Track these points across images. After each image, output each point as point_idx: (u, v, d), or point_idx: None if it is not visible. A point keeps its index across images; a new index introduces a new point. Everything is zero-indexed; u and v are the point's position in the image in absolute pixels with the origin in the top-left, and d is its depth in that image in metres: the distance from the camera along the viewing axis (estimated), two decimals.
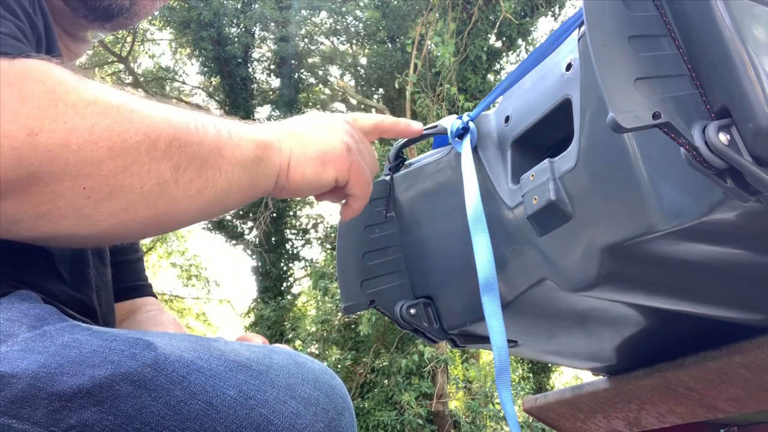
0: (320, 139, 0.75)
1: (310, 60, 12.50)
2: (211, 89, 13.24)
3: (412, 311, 1.03)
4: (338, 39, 12.61)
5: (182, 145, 0.61)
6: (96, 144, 0.56)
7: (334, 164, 0.74)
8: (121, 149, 0.57)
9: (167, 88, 13.46)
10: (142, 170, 0.58)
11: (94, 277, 0.79)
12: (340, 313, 9.09)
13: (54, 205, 0.56)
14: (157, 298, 1.09)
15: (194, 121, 0.64)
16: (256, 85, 12.65)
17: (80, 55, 0.95)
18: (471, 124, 0.95)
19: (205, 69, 12.05)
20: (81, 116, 0.55)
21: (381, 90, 12.13)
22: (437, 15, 9.59)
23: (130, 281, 1.04)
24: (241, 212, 12.38)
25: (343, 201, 0.83)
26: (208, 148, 0.64)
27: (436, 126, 1.00)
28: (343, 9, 11.75)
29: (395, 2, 11.16)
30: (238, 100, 11.83)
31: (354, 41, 12.57)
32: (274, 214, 11.35)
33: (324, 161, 0.74)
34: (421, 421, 8.59)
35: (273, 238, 11.73)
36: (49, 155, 0.54)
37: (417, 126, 0.90)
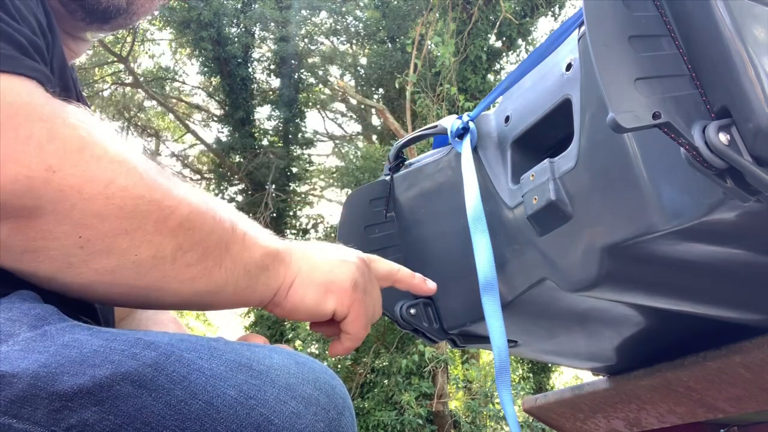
0: (330, 268, 0.74)
1: (310, 60, 12.50)
2: (211, 89, 13.24)
3: (412, 311, 1.03)
4: (338, 39, 12.61)
5: (192, 228, 0.61)
6: (108, 199, 0.56)
7: (336, 296, 0.73)
8: (130, 212, 0.57)
9: (167, 88, 13.46)
10: (143, 239, 0.58)
11: None
12: None
13: (45, 244, 0.56)
14: None
15: (212, 209, 0.64)
16: (256, 85, 12.65)
17: (80, 54, 0.95)
18: (471, 124, 0.95)
19: (205, 69, 12.05)
20: (102, 169, 0.56)
21: (381, 90, 12.13)
22: (437, 15, 9.59)
23: None
24: (241, 212, 12.36)
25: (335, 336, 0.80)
26: (217, 239, 0.63)
27: (436, 126, 1.00)
28: (343, 9, 11.75)
29: (395, 2, 11.16)
30: (238, 100, 11.83)
31: (354, 41, 12.58)
32: (274, 214, 11.35)
33: (327, 290, 0.73)
34: (421, 421, 8.59)
35: None
36: (59, 195, 0.54)
37: (432, 285, 0.85)
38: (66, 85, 0.72)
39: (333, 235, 11.42)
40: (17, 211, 0.54)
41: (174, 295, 0.63)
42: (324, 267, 0.73)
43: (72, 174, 0.55)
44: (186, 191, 0.62)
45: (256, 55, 12.66)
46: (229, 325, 15.73)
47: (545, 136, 0.88)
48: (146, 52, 13.47)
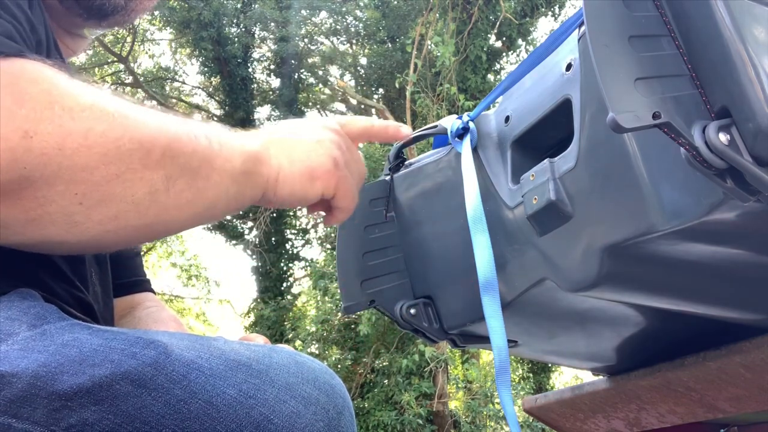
0: (309, 153, 0.75)
1: (310, 60, 12.50)
2: (211, 89, 13.24)
3: (412, 311, 1.03)
4: (338, 39, 12.61)
5: (175, 155, 0.61)
6: (90, 149, 0.55)
7: (321, 180, 0.75)
8: (115, 156, 0.56)
9: (167, 88, 13.46)
10: (134, 178, 0.58)
11: (92, 274, 0.79)
12: (340, 313, 9.09)
13: (45, 210, 0.55)
14: (155, 293, 1.09)
15: (187, 131, 0.63)
16: (256, 85, 12.64)
17: (79, 52, 0.95)
18: (471, 124, 0.95)
19: (205, 69, 12.04)
20: (76, 120, 0.55)
21: (381, 90, 12.13)
22: (437, 15, 9.59)
23: (129, 277, 1.04)
24: (241, 212, 12.37)
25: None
26: (200, 158, 0.64)
27: (436, 126, 1.00)
28: (343, 9, 11.75)
29: (395, 2, 11.16)
30: (238, 100, 11.83)
31: (354, 41, 12.57)
32: (274, 214, 11.34)
33: (312, 177, 0.74)
34: (421, 421, 8.58)
35: (273, 238, 11.73)
36: (43, 158, 0.53)
37: (406, 130, 0.89)
38: None
39: (333, 235, 11.41)
40: (7, 186, 0.53)
41: (176, 222, 0.64)
42: (302, 155, 0.74)
43: (49, 133, 0.53)
44: (158, 119, 0.62)
45: (256, 55, 12.65)
46: (229, 325, 15.74)
47: (545, 136, 0.88)
48: (146, 52, 13.46)
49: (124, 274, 1.02)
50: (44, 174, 0.54)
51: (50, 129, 0.53)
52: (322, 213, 0.82)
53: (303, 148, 0.75)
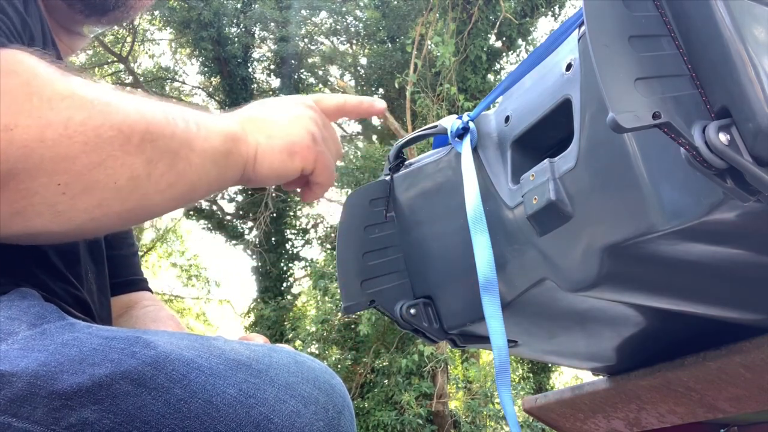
0: (286, 129, 0.75)
1: (310, 60, 12.50)
2: (211, 89, 13.24)
3: (412, 311, 1.03)
4: (338, 39, 12.61)
5: (154, 139, 0.61)
6: (71, 139, 0.55)
7: (300, 155, 0.75)
8: (96, 144, 0.56)
9: (167, 88, 13.45)
10: (116, 165, 0.58)
11: (88, 273, 0.79)
12: (340, 313, 9.09)
13: (29, 202, 0.55)
14: (152, 292, 1.09)
15: (164, 114, 0.64)
16: (256, 85, 12.65)
17: (77, 50, 0.94)
18: (471, 124, 0.95)
19: (205, 69, 12.05)
20: (56, 110, 0.55)
21: (381, 90, 12.13)
22: (437, 15, 9.59)
23: (125, 276, 1.03)
24: (241, 212, 12.38)
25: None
26: (179, 141, 0.64)
27: (436, 126, 1.00)
28: (343, 9, 11.75)
29: (395, 2, 11.16)
30: (238, 100, 11.82)
31: (354, 41, 12.57)
32: (274, 214, 11.34)
33: (290, 152, 0.75)
34: (421, 421, 8.59)
35: (273, 238, 11.73)
36: (25, 151, 0.53)
37: (380, 104, 0.89)
38: None
39: (333, 235, 11.42)
40: None
41: (158, 205, 0.64)
42: (280, 131, 0.75)
43: (29, 125, 0.53)
44: (136, 104, 0.62)
45: (256, 55, 12.66)
46: (229, 325, 15.74)
47: (545, 136, 0.88)
48: (146, 52, 13.47)
49: (121, 273, 1.02)
50: (26, 166, 0.53)
51: (30, 121, 0.53)
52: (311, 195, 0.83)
53: (280, 124, 0.75)
